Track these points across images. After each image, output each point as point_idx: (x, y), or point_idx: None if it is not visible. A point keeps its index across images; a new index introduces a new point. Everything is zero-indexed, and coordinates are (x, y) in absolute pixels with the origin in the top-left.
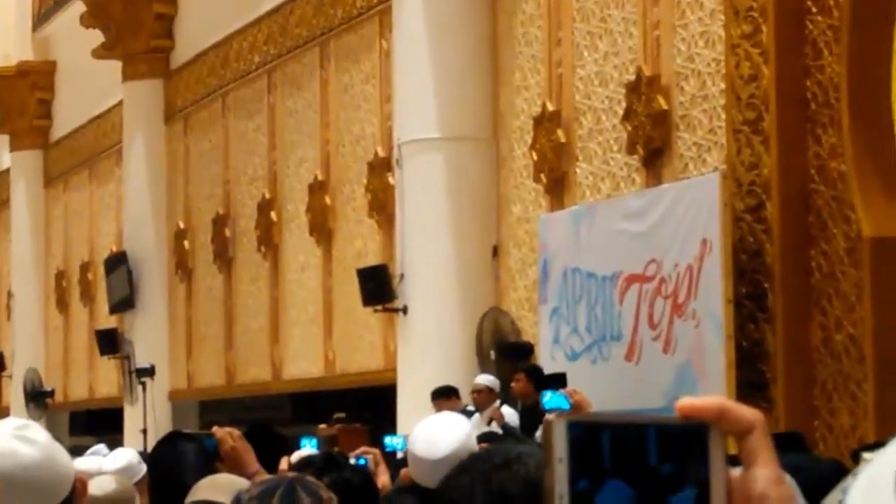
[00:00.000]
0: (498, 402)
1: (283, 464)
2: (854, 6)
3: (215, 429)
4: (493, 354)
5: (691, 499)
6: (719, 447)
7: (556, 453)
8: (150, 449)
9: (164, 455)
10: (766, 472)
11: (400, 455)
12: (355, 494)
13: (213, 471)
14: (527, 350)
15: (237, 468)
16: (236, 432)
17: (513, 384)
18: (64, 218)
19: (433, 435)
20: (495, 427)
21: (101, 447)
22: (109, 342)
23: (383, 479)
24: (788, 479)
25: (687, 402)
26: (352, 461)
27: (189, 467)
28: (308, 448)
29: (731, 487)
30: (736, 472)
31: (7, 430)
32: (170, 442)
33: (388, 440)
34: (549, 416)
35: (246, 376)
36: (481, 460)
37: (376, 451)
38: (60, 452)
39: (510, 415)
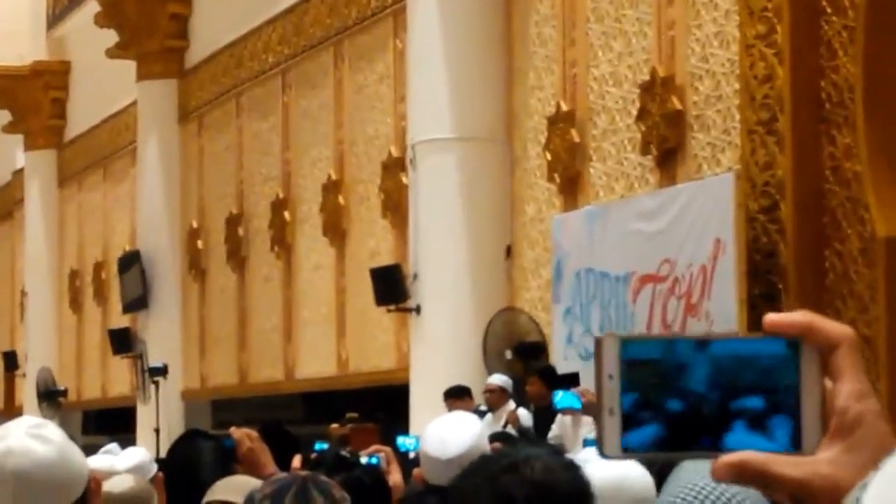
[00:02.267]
0: (513, 403)
1: (296, 462)
2: (869, 6)
3: (233, 430)
4: (509, 354)
5: (760, 405)
6: (812, 362)
7: (605, 369)
8: (163, 448)
9: (182, 453)
10: (848, 388)
11: (412, 455)
12: (367, 494)
13: (231, 471)
14: (538, 349)
15: (254, 469)
16: (254, 433)
17: (527, 387)
18: (78, 217)
19: (445, 434)
20: (511, 429)
21: (114, 446)
22: (122, 341)
23: (395, 477)
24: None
25: (774, 317)
26: (363, 460)
27: (206, 465)
28: None
29: (827, 400)
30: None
31: (22, 429)
32: (188, 440)
33: (400, 440)
34: (599, 336)
35: (259, 376)
36: (488, 463)
37: (388, 449)
38: (75, 451)
39: (524, 416)
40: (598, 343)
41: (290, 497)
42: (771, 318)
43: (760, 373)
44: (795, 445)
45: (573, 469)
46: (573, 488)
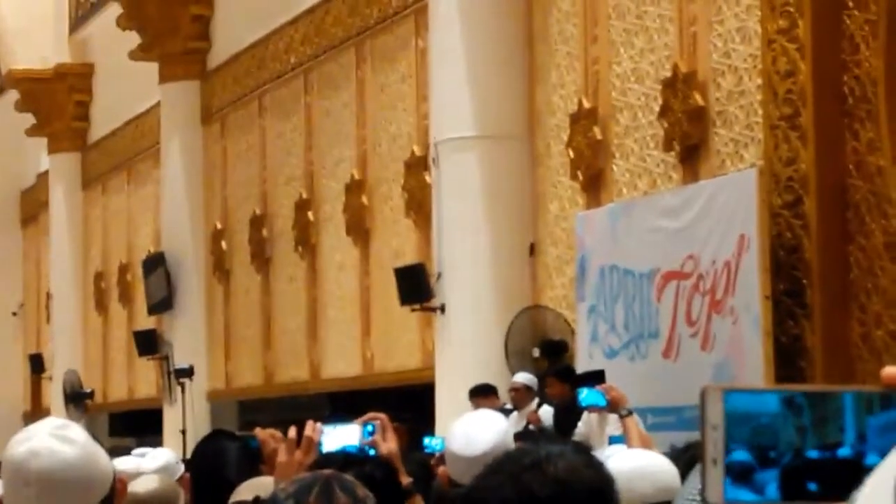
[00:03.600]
0: (536, 402)
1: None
2: (891, 0)
3: (257, 430)
4: (537, 352)
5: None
6: None
7: (709, 420)
8: (189, 449)
9: (207, 453)
10: None
11: (438, 455)
12: (378, 488)
13: (257, 472)
14: (562, 347)
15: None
16: (279, 434)
17: (546, 389)
18: (102, 220)
19: (470, 433)
20: (532, 426)
21: (145, 451)
22: (148, 343)
23: (390, 445)
24: None
25: (892, 370)
26: (358, 426)
27: (232, 464)
28: None
29: None
30: None
31: (47, 430)
32: (213, 440)
33: (427, 440)
34: (706, 385)
35: (284, 376)
36: (511, 461)
37: (383, 415)
38: (99, 452)
39: (545, 415)
40: (703, 394)
41: (314, 495)
42: (891, 372)
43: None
44: None
45: (596, 467)
46: (596, 486)
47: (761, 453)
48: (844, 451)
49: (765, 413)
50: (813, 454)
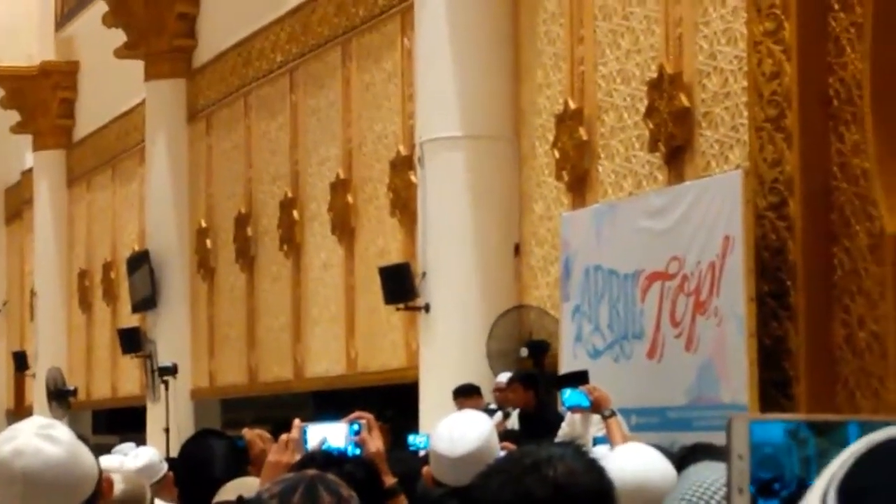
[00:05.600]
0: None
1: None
2: (877, 3)
3: (245, 431)
4: (525, 352)
5: None
6: None
7: (736, 450)
8: (173, 447)
9: (194, 451)
10: None
11: (422, 453)
12: (360, 488)
13: (245, 472)
14: (542, 348)
15: None
16: (266, 435)
17: (509, 394)
18: (87, 217)
19: (455, 433)
20: (515, 421)
21: (127, 446)
22: (132, 341)
23: (377, 443)
24: None
25: None
26: (344, 425)
27: (218, 462)
28: None
29: None
30: None
31: (31, 430)
32: (201, 438)
33: (411, 438)
34: (732, 414)
35: (268, 375)
36: (512, 462)
37: (370, 415)
38: (84, 451)
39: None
40: (730, 424)
41: (299, 496)
42: None
43: None
44: None
45: (597, 471)
46: (595, 490)
47: (765, 484)
48: None
49: (769, 443)
50: None
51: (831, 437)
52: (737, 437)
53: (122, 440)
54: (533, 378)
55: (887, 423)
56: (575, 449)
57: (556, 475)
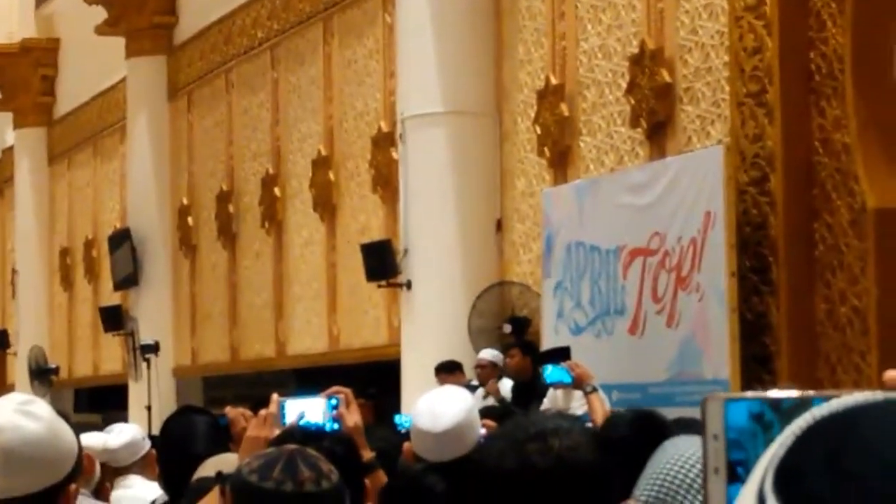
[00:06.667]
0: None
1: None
2: None
3: (228, 409)
4: (508, 328)
5: None
6: None
7: (711, 430)
8: (154, 425)
9: (176, 427)
10: None
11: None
12: (338, 462)
13: (227, 450)
14: (524, 324)
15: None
16: (248, 413)
17: (507, 360)
18: (68, 195)
19: (436, 408)
20: (492, 401)
21: (116, 427)
22: (114, 319)
23: (355, 417)
24: None
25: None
26: (322, 399)
27: (200, 439)
28: None
29: None
30: None
31: (11, 406)
32: (183, 415)
33: (398, 418)
34: (708, 394)
35: (250, 352)
36: (517, 428)
37: (347, 390)
38: (64, 428)
39: (505, 388)
40: (704, 404)
41: (279, 471)
42: (892, 374)
43: None
44: None
45: (600, 450)
46: (596, 468)
47: (731, 468)
48: None
49: (733, 428)
50: None
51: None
52: (711, 417)
53: (104, 418)
54: (533, 347)
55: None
56: (582, 424)
57: (561, 447)
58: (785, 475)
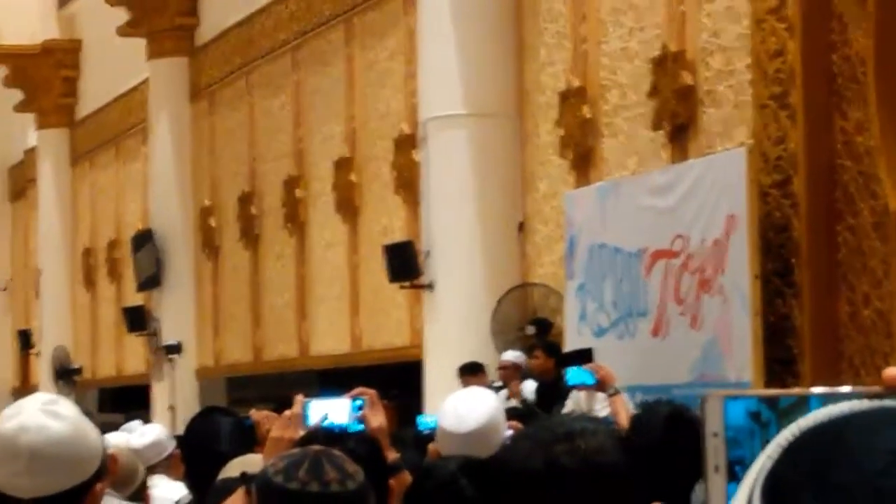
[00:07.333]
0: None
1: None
2: None
3: (253, 412)
4: (531, 329)
5: None
6: None
7: (710, 427)
8: (178, 425)
9: (201, 427)
10: None
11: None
12: (362, 463)
13: (252, 451)
14: (546, 325)
15: None
16: (273, 415)
17: (531, 360)
18: (91, 196)
19: (461, 410)
20: (515, 402)
21: (134, 424)
22: (137, 319)
23: (379, 419)
24: None
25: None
26: (346, 400)
27: (224, 439)
28: None
29: None
30: None
31: (36, 406)
32: (207, 415)
33: (420, 419)
34: (708, 391)
35: (273, 353)
36: (545, 429)
37: (372, 391)
38: (89, 427)
39: (528, 389)
40: (704, 401)
41: (304, 471)
42: (893, 373)
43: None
44: None
45: (625, 453)
46: (621, 471)
47: (729, 467)
48: None
49: (731, 427)
50: None
51: (793, 420)
52: (711, 415)
53: (128, 419)
54: (556, 348)
55: (851, 396)
56: (609, 427)
57: (587, 448)
58: (773, 488)
